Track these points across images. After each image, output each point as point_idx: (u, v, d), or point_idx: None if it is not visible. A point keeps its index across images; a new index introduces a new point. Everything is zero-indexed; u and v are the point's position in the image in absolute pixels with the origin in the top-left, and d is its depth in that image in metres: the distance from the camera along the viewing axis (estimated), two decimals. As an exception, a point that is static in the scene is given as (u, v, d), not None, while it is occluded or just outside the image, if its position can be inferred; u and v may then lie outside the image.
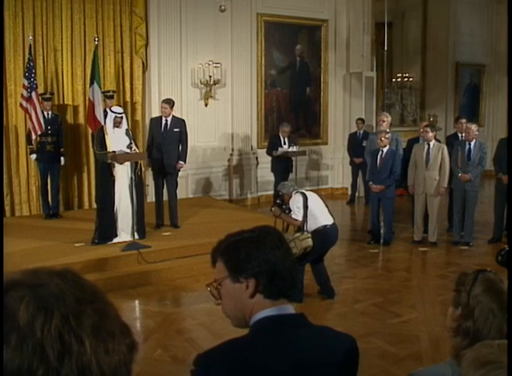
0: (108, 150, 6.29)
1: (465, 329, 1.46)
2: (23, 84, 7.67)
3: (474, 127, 7.29)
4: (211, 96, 9.69)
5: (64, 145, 8.11)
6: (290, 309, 1.45)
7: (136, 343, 0.78)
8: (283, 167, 9.09)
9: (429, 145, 7.25)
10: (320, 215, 5.26)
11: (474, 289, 1.48)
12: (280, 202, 5.36)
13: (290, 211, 5.24)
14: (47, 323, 0.69)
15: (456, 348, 1.49)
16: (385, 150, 7.30)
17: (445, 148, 7.26)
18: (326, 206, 5.44)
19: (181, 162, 7.40)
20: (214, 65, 9.48)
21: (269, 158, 9.26)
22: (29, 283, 0.74)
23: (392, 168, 7.24)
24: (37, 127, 7.48)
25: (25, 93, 7.62)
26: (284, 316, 1.42)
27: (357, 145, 9.87)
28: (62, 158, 8.00)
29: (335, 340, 1.50)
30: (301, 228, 5.19)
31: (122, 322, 0.78)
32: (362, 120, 10.25)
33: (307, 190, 5.70)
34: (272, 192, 9.27)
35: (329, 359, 1.42)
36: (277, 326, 1.40)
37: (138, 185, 6.47)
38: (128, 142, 6.31)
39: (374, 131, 9.47)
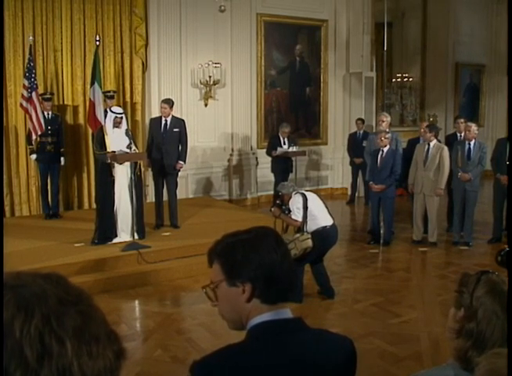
0: (108, 150, 6.29)
1: (468, 330, 1.45)
2: (24, 85, 7.67)
3: (474, 126, 7.30)
4: (211, 96, 9.69)
5: (64, 145, 8.11)
6: (287, 313, 1.42)
7: (124, 350, 0.75)
8: (282, 167, 9.09)
9: (429, 145, 7.25)
10: (320, 216, 5.26)
11: (477, 290, 1.47)
12: (280, 202, 5.36)
13: (289, 211, 5.23)
14: (27, 323, 0.67)
15: (458, 349, 1.48)
16: (385, 149, 7.30)
17: (445, 149, 7.24)
18: (326, 207, 5.44)
19: (180, 162, 7.40)
20: (214, 65, 9.48)
21: (269, 158, 9.26)
22: (11, 284, 0.71)
23: (393, 168, 7.24)
24: (37, 127, 7.48)
25: (25, 93, 7.62)
26: (281, 320, 1.40)
27: (357, 145, 9.86)
28: (62, 158, 8.00)
29: (333, 343, 1.49)
30: (300, 228, 5.19)
31: (109, 328, 0.75)
32: (362, 120, 10.25)
33: (307, 191, 5.70)
34: (271, 192, 9.28)
35: (328, 363, 1.41)
36: (275, 331, 1.39)
37: (137, 185, 6.46)
38: (127, 142, 6.32)
39: (374, 131, 9.47)
